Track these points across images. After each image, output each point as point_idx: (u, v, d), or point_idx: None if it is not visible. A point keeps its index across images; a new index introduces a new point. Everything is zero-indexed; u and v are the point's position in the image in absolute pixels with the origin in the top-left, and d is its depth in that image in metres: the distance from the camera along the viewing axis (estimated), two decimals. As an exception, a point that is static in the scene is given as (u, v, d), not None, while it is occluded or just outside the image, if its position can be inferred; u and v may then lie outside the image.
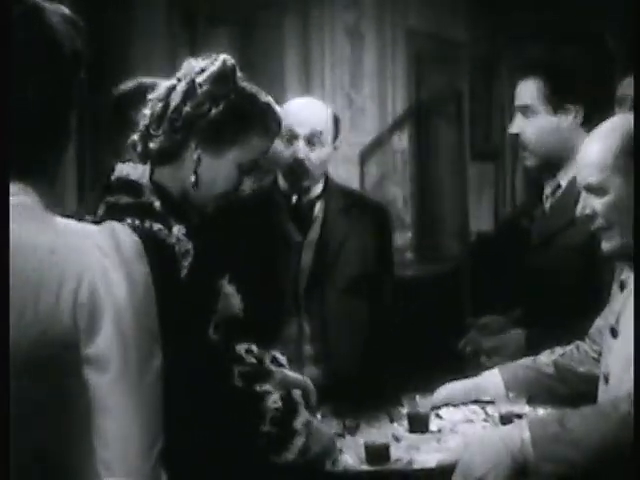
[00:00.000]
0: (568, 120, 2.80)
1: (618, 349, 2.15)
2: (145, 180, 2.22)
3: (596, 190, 2.14)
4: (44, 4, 1.49)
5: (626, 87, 3.75)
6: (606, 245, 2.17)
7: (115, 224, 1.49)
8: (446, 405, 2.42)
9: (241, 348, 2.30)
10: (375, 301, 3.09)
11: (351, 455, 2.13)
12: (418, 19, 7.26)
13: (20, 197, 1.47)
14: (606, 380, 2.16)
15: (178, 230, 2.16)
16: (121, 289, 1.43)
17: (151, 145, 2.24)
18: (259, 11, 5.91)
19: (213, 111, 2.20)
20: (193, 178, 2.22)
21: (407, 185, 7.25)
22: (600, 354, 2.28)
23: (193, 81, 2.22)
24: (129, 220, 2.06)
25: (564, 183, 2.85)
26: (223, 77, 2.23)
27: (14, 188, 1.47)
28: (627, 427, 1.86)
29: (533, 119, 2.82)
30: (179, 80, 2.25)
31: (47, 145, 1.51)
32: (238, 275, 2.34)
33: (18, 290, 1.41)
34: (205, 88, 2.21)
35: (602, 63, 6.79)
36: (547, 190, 2.90)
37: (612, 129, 2.16)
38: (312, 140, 3.00)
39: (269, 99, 2.31)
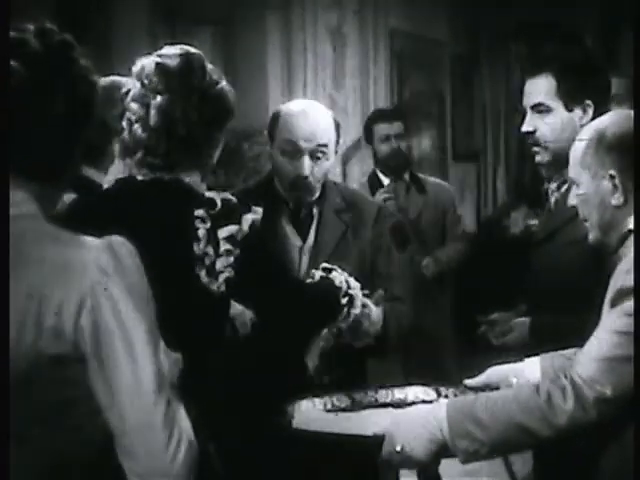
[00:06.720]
0: (580, 116, 2.84)
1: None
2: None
3: (573, 183, 2.26)
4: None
5: None
6: (589, 236, 2.26)
7: (113, 238, 1.50)
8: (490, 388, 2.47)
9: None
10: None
11: None
12: (400, 19, 7.28)
13: (22, 207, 1.48)
14: None
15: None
16: (125, 303, 1.45)
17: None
18: (241, 10, 5.91)
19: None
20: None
21: (389, 185, 7.25)
22: None
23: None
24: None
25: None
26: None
27: (17, 198, 1.48)
28: (529, 413, 1.96)
29: (548, 116, 2.84)
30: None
31: (60, 157, 1.54)
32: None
33: (19, 303, 1.41)
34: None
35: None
36: (552, 186, 2.93)
37: (589, 127, 2.24)
38: (317, 155, 2.79)
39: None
